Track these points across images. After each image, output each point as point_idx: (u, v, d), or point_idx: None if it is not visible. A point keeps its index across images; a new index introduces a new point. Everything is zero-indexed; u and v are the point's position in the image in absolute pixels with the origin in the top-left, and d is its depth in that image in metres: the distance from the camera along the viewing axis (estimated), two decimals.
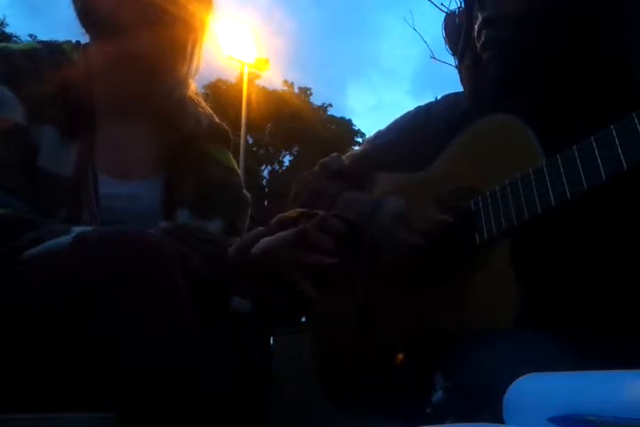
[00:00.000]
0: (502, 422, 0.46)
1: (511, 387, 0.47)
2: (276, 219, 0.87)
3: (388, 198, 0.96)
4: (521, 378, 0.47)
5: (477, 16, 0.93)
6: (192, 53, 0.98)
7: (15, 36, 13.53)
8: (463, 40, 1.01)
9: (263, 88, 17.45)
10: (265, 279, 0.84)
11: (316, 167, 1.17)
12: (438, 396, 0.84)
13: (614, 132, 0.69)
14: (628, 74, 0.86)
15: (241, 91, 12.17)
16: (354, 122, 24.68)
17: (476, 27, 0.93)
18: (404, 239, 0.91)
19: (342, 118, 21.38)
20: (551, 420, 0.42)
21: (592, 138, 0.71)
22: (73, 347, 0.65)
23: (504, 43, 0.88)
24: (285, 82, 19.46)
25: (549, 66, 0.88)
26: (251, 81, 13.85)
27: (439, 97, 1.11)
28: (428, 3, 7.16)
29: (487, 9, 0.90)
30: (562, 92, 0.88)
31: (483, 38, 0.90)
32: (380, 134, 1.17)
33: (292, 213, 0.87)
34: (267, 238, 0.82)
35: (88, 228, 0.78)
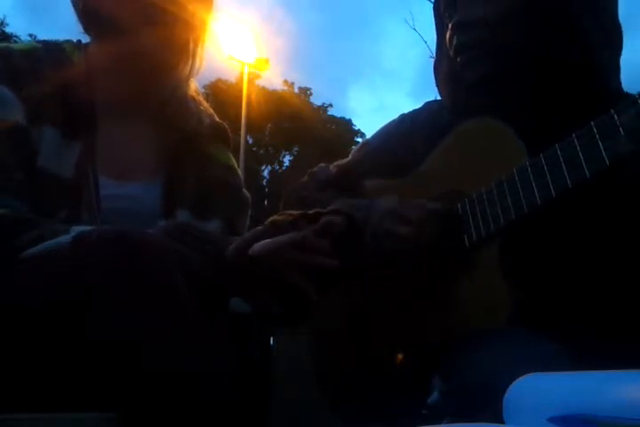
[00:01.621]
0: (502, 422, 0.46)
1: (511, 387, 0.47)
2: (272, 220, 0.87)
3: (380, 203, 0.96)
4: (521, 378, 0.47)
5: (447, 23, 0.94)
6: (194, 53, 0.98)
7: (15, 36, 13.55)
8: (438, 48, 1.02)
9: (263, 88, 17.49)
10: (264, 280, 0.84)
11: (305, 178, 1.18)
12: (434, 397, 0.84)
13: (595, 129, 0.69)
14: (598, 72, 0.87)
15: (241, 91, 12.19)
16: (354, 122, 24.71)
17: (447, 33, 0.93)
18: (398, 231, 0.91)
19: (342, 118, 21.41)
20: (551, 420, 0.42)
21: (573, 135, 0.72)
22: (73, 347, 0.65)
23: (476, 45, 0.89)
24: (285, 82, 19.49)
25: (524, 67, 0.89)
26: (251, 81, 13.87)
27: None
28: (429, 3, 7.17)
29: (457, 13, 0.90)
30: (539, 92, 0.89)
31: (455, 41, 0.91)
32: (366, 142, 1.18)
33: (291, 214, 0.87)
34: (265, 241, 0.82)
35: (88, 227, 0.78)
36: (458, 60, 0.92)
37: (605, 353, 0.62)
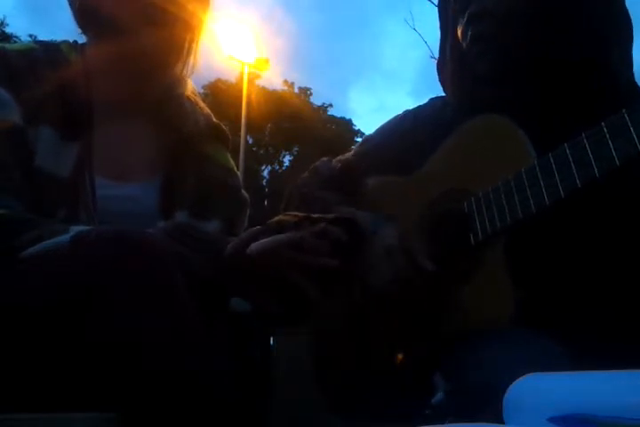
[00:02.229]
0: (502, 422, 0.46)
1: (511, 387, 0.47)
2: (277, 220, 0.87)
3: (385, 223, 0.96)
4: (521, 378, 0.47)
5: (457, 14, 0.94)
6: (188, 51, 0.98)
7: (15, 36, 13.54)
8: (442, 44, 1.02)
9: (263, 88, 17.48)
10: (263, 279, 0.84)
11: (307, 173, 1.17)
12: (438, 397, 0.84)
13: (605, 129, 0.69)
14: (611, 70, 0.86)
15: (241, 91, 12.19)
16: (354, 122, 24.68)
17: (460, 25, 0.93)
18: (400, 246, 0.91)
19: (342, 118, 21.41)
20: (551, 420, 0.42)
21: (583, 135, 0.71)
22: (73, 347, 0.65)
23: (492, 37, 0.89)
24: (285, 82, 19.49)
25: (538, 62, 0.88)
26: (251, 81, 13.86)
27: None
28: (429, 4, 7.19)
29: (471, 5, 0.90)
30: (551, 90, 0.88)
31: (470, 33, 0.91)
32: (369, 138, 1.18)
33: (296, 215, 0.87)
34: (263, 240, 0.82)
35: (87, 227, 0.78)
36: (472, 51, 0.91)
37: (605, 353, 0.62)
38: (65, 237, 0.73)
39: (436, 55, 1.06)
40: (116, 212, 0.91)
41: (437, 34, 1.05)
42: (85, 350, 0.65)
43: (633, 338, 0.74)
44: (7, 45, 0.94)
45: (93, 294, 0.65)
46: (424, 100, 1.13)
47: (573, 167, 0.72)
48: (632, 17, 0.91)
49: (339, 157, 1.18)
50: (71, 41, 1.00)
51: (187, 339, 0.67)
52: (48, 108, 0.89)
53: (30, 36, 12.61)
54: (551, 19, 0.87)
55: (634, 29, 0.92)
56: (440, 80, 1.04)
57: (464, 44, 0.93)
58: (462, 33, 0.93)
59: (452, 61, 0.99)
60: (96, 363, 0.64)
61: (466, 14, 0.91)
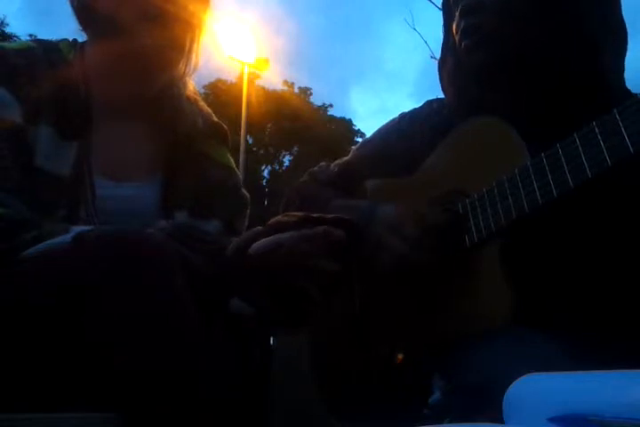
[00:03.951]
0: (502, 422, 0.46)
1: (511, 387, 0.47)
2: (275, 220, 0.87)
3: (382, 204, 0.96)
4: (521, 378, 0.47)
5: (453, 9, 0.94)
6: (190, 51, 0.98)
7: (15, 36, 13.52)
8: (444, 44, 1.02)
9: (263, 88, 17.49)
10: (264, 280, 0.84)
11: (305, 177, 1.17)
12: (435, 397, 0.84)
13: (597, 129, 0.69)
14: (602, 70, 0.87)
15: (241, 91, 12.19)
16: (354, 123, 24.66)
17: (455, 19, 0.93)
18: (397, 248, 0.90)
19: (342, 118, 21.41)
20: (551, 420, 0.42)
21: (575, 135, 0.71)
22: (72, 346, 0.65)
23: (481, 30, 0.89)
24: (285, 82, 19.49)
25: (533, 61, 0.88)
26: (251, 81, 13.87)
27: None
28: (430, 5, 7.20)
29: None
30: (547, 90, 0.88)
31: (462, 26, 0.91)
32: (366, 142, 1.18)
33: (295, 215, 0.87)
34: (265, 240, 0.82)
35: (87, 227, 0.78)
36: (462, 45, 0.92)
37: (605, 353, 0.62)
38: (66, 238, 0.73)
39: (437, 56, 1.06)
40: (116, 211, 0.91)
41: (438, 35, 1.05)
42: (85, 350, 0.65)
43: (632, 337, 0.74)
44: (6, 44, 0.94)
45: (93, 294, 0.65)
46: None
47: (565, 167, 0.72)
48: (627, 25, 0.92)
49: (336, 162, 1.18)
50: (70, 39, 1.00)
51: (186, 339, 0.67)
52: (47, 108, 0.89)
53: (30, 35, 12.60)
54: (545, 15, 0.87)
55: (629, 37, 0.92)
56: (440, 80, 1.04)
57: (457, 38, 0.93)
58: (456, 27, 0.93)
59: (449, 59, 0.99)
60: (96, 363, 0.64)
61: (459, 8, 0.91)
